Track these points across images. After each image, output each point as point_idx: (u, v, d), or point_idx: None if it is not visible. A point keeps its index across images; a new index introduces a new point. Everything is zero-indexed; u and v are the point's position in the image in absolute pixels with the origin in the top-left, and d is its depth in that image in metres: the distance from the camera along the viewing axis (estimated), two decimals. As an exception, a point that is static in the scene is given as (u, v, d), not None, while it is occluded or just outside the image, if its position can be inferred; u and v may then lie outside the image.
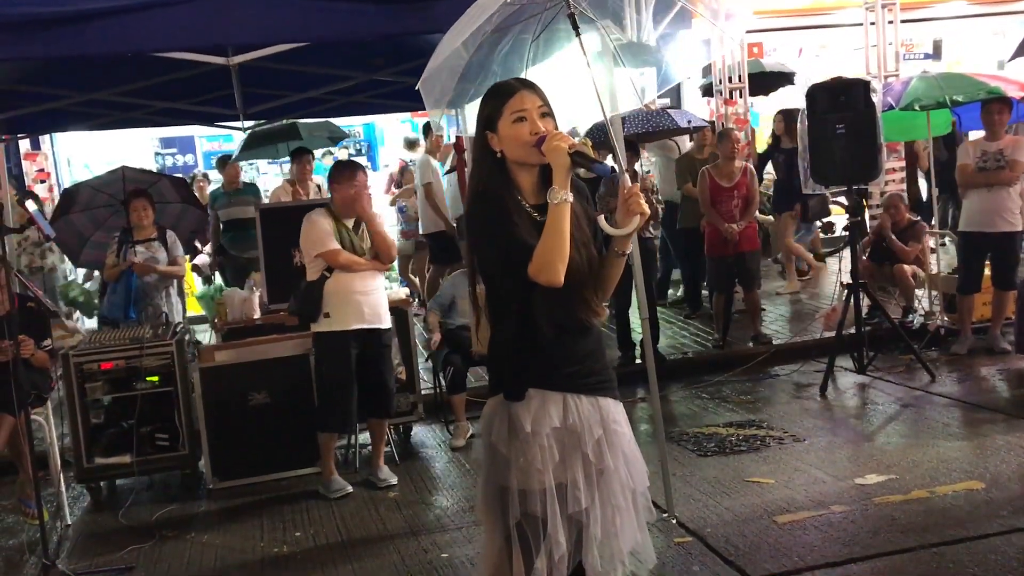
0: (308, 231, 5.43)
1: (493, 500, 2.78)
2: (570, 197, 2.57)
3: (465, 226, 2.81)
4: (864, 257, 8.05)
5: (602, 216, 2.64)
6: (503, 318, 2.78)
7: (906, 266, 8.20)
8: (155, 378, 5.86)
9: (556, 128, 2.67)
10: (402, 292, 6.61)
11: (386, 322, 5.60)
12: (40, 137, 9.53)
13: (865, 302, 7.49)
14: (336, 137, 10.57)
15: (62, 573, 4.58)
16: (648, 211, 2.64)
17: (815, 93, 6.95)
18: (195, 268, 10.58)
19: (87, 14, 4.08)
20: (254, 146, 9.65)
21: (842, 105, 6.78)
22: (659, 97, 11.85)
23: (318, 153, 10.80)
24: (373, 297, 5.49)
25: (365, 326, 5.46)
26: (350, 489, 5.60)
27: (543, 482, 2.69)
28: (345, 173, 5.49)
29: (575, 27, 3.13)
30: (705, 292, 9.41)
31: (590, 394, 2.75)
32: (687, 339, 8.63)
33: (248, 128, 6.92)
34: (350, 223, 5.50)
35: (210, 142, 15.97)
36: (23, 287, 5.84)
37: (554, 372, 2.72)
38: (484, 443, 2.82)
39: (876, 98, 6.79)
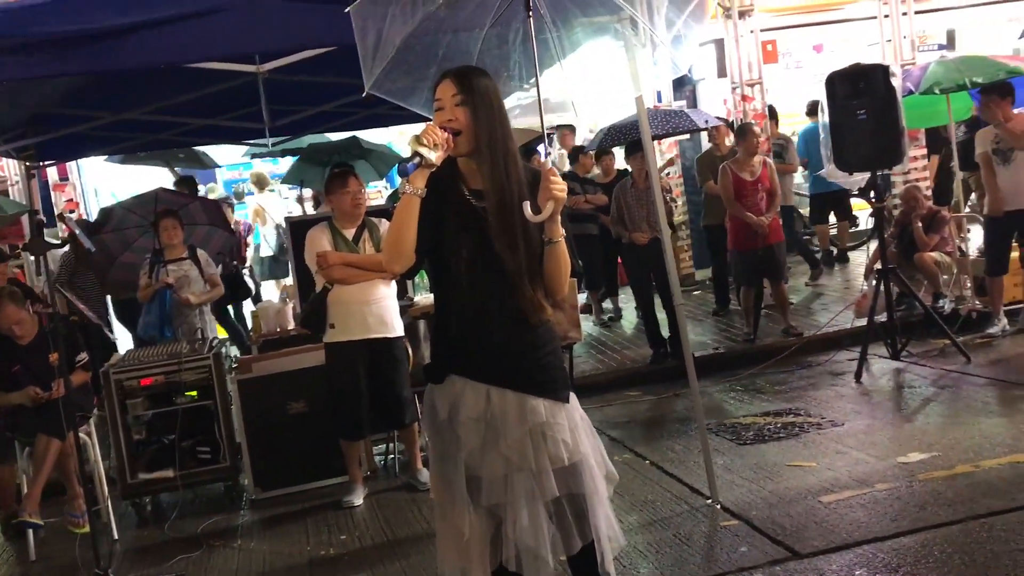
0: (306, 246, 5.54)
1: (436, 478, 2.87)
2: (412, 191, 2.60)
3: None
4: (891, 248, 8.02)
5: (526, 203, 2.62)
6: (435, 303, 2.88)
7: (927, 254, 8.16)
8: (194, 392, 5.92)
9: (471, 118, 2.65)
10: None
11: (395, 331, 5.57)
12: (67, 168, 9.69)
13: (895, 289, 7.46)
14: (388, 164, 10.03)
15: (115, 582, 4.62)
16: (564, 197, 2.63)
17: (835, 80, 6.95)
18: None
19: (120, 29, 4.17)
20: (311, 161, 9.58)
21: (862, 91, 6.79)
22: (675, 100, 11.92)
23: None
24: (377, 307, 5.47)
25: (371, 336, 5.46)
26: (357, 503, 5.60)
27: (454, 470, 2.74)
28: (336, 182, 5.61)
29: (528, 7, 3.12)
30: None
31: (518, 391, 2.72)
32: (716, 335, 8.62)
33: (273, 144, 7.00)
34: (350, 233, 5.55)
35: (230, 171, 16.10)
36: (65, 302, 5.93)
37: (476, 364, 2.73)
38: (424, 427, 2.93)
39: (896, 82, 6.79)
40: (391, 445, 6.34)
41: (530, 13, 3.12)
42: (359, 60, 3.64)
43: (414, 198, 2.62)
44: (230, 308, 9.16)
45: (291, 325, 6.51)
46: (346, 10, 3.51)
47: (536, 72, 3.16)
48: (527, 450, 2.70)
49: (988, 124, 7.33)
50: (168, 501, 6.18)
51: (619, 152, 9.47)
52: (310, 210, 11.06)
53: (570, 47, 3.66)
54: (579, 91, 3.87)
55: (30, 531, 5.45)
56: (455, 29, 3.41)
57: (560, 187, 2.61)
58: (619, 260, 9.16)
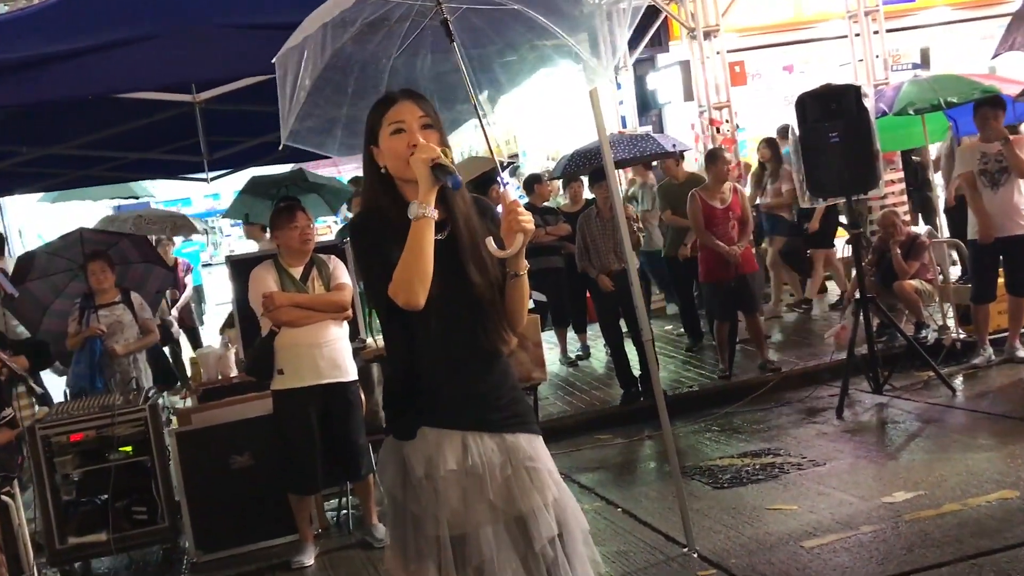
0: (250, 286, 5.20)
1: (398, 550, 2.56)
2: (430, 213, 2.43)
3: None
4: (870, 277, 7.73)
5: (490, 238, 2.51)
6: (394, 350, 2.63)
7: (907, 282, 7.87)
8: (128, 448, 5.54)
9: (442, 141, 2.54)
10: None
11: (348, 374, 5.23)
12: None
13: (875, 320, 7.15)
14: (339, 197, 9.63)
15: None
16: (532, 229, 2.50)
17: (805, 102, 6.70)
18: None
19: (45, 58, 3.97)
20: (255, 193, 9.16)
21: (834, 113, 6.54)
22: (640, 124, 11.70)
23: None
24: (329, 349, 5.13)
25: (322, 381, 5.12)
26: (308, 563, 5.22)
27: (437, 531, 2.49)
28: (283, 216, 5.27)
29: (449, 35, 2.96)
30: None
31: (495, 432, 2.55)
32: (691, 373, 8.29)
33: (213, 178, 6.65)
34: (297, 272, 5.22)
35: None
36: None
37: (450, 409, 2.53)
38: (383, 490, 2.65)
39: (868, 103, 6.55)
40: (343, 499, 5.94)
41: (452, 40, 2.89)
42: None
43: (431, 220, 2.44)
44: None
45: (233, 372, 6.15)
46: (272, 61, 3.28)
47: (474, 98, 2.94)
48: (514, 493, 2.53)
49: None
50: (101, 567, 5.81)
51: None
52: None
53: (483, 72, 3.41)
54: (512, 120, 3.63)
55: (-54, 605, 5.02)
56: (363, 62, 3.19)
57: (527, 219, 2.49)
58: (587, 294, 8.78)
